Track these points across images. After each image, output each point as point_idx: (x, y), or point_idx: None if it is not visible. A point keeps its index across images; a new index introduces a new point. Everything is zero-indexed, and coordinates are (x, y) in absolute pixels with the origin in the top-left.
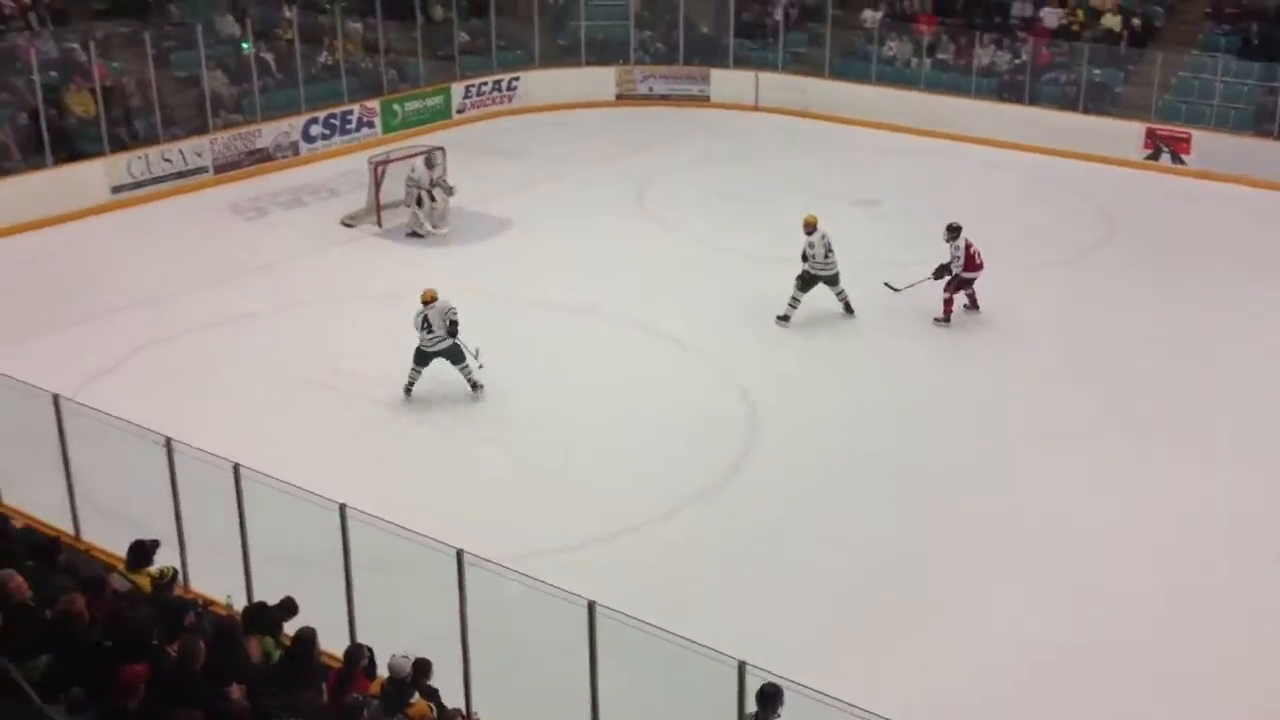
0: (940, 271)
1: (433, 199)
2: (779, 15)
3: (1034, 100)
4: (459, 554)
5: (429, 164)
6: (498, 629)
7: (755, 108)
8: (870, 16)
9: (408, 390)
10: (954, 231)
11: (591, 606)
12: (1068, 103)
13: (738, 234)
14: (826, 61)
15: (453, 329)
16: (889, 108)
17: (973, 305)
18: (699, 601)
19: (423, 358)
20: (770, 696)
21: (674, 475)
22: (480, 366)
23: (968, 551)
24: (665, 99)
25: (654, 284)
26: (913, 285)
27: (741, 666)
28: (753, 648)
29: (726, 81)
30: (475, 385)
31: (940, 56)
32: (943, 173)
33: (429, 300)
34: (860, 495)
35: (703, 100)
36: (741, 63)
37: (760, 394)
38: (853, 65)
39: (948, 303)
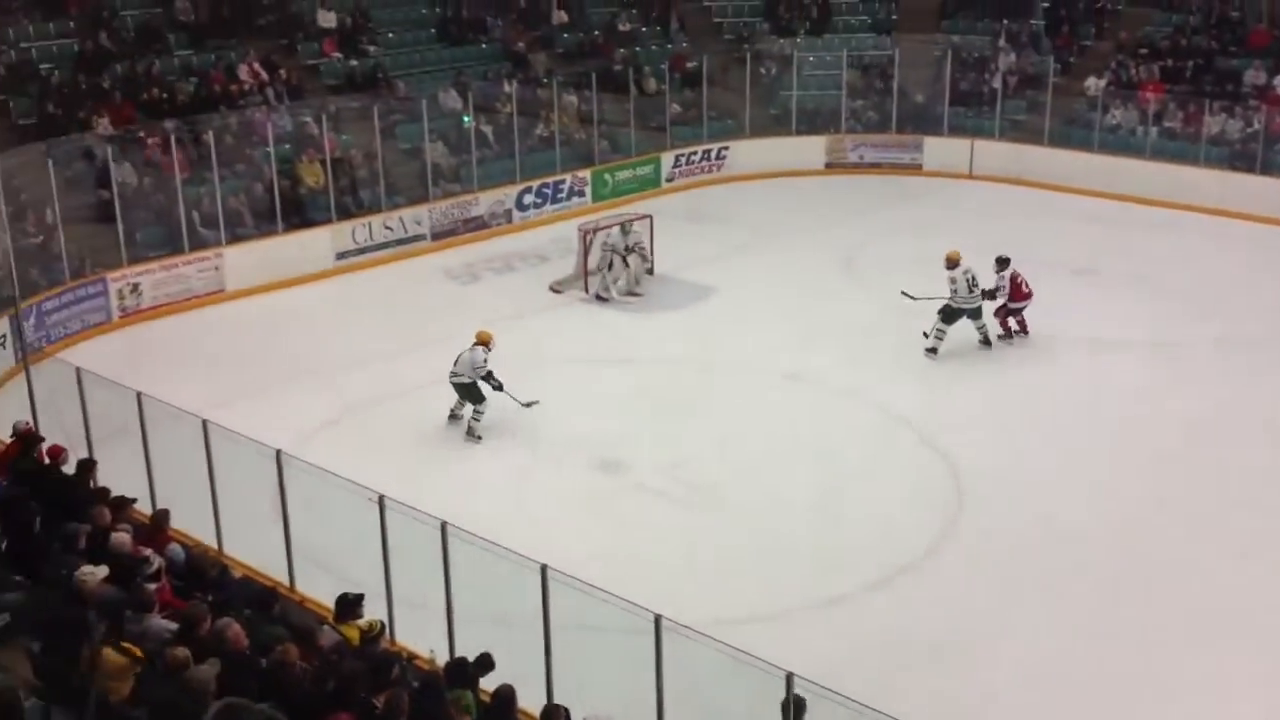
0: (987, 295)
1: (625, 264)
2: (997, 83)
3: (1266, 170)
4: (656, 619)
5: (624, 230)
6: (695, 695)
7: (969, 176)
8: (1094, 84)
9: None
10: (1002, 263)
11: (789, 679)
12: None
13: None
14: (1046, 129)
15: (488, 377)
16: (1111, 176)
17: (1022, 330)
18: (907, 679)
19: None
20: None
21: (882, 543)
22: (528, 405)
23: (1204, 625)
24: (876, 167)
25: (861, 351)
26: (930, 299)
27: None
28: None
29: (940, 149)
30: (474, 433)
31: (1167, 124)
32: (1167, 242)
33: (481, 342)
34: (1075, 563)
35: (915, 168)
36: (956, 130)
37: (970, 461)
38: (1074, 133)
39: (1003, 324)
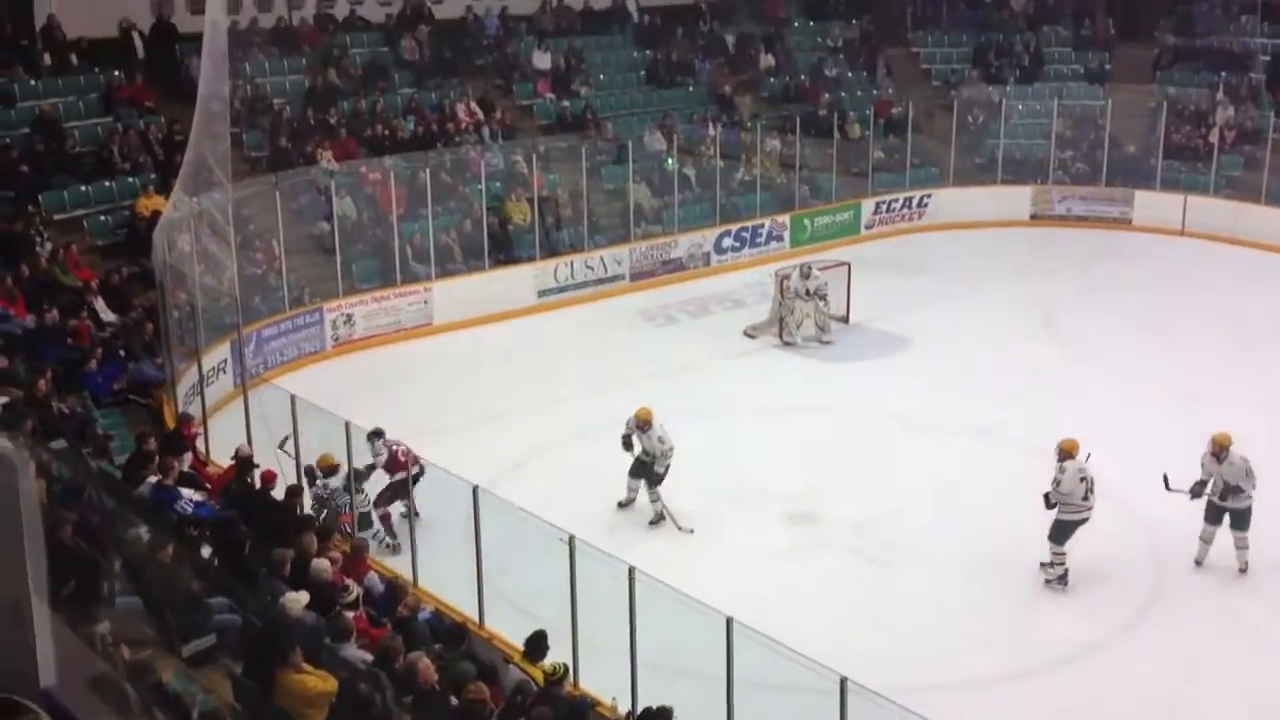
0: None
1: (806, 307)
2: (1214, 137)
3: None
4: (842, 682)
5: (803, 274)
6: None
7: (1181, 233)
8: None
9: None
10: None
11: None
12: None
13: (1154, 364)
14: (1264, 186)
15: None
16: None
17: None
18: None
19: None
20: None
21: (1075, 615)
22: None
23: None
24: (1083, 220)
25: (1058, 412)
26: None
27: None
28: None
29: (1151, 204)
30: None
31: None
32: None
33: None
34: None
35: (1124, 223)
36: (1169, 185)
37: (1169, 536)
38: None
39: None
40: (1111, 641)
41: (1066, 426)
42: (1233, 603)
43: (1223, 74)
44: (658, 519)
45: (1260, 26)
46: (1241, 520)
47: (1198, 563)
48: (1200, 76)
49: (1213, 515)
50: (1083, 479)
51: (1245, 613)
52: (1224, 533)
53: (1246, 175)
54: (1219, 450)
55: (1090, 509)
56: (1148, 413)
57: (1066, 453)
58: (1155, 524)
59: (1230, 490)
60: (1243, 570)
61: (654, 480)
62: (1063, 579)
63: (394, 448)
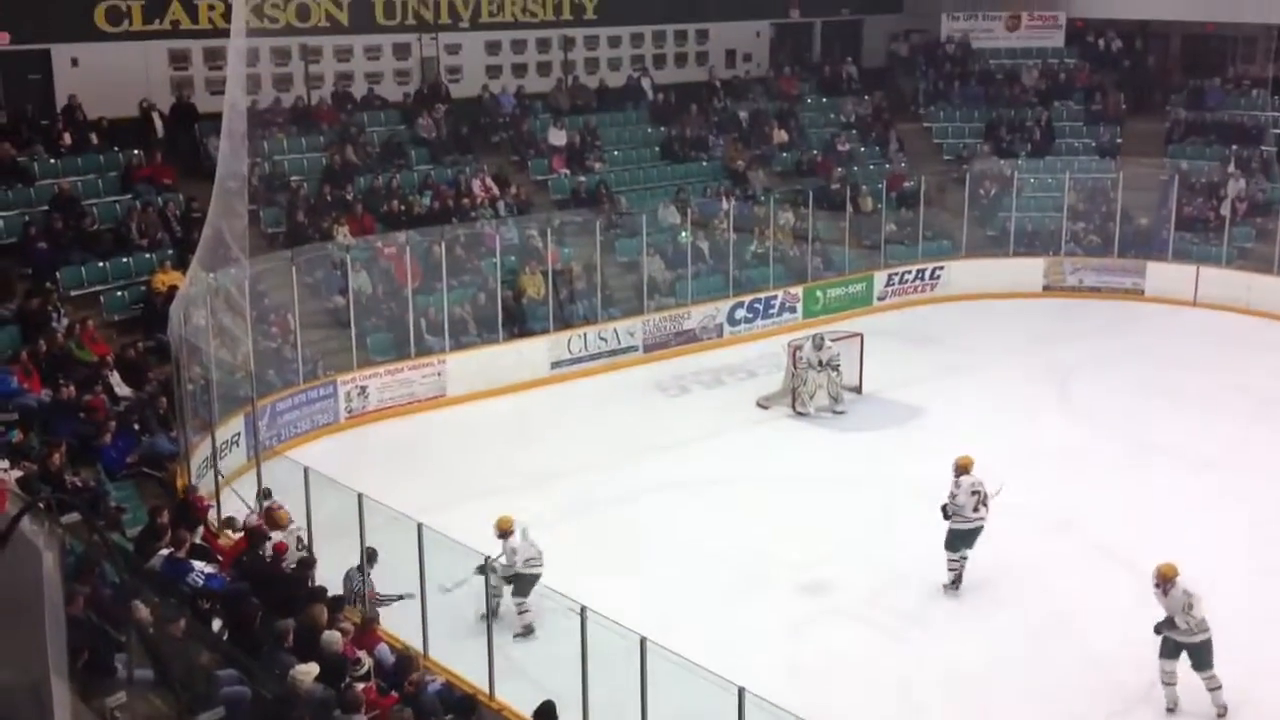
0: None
1: (819, 378)
2: (1225, 209)
3: None
4: None
5: (815, 344)
6: None
7: (1194, 303)
8: None
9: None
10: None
11: None
12: None
13: (1171, 435)
14: (1276, 257)
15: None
16: None
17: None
18: None
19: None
20: None
21: (1096, 687)
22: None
23: None
24: (1095, 291)
25: (1073, 479)
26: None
27: None
28: None
29: (1163, 275)
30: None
31: None
32: None
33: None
34: None
35: (1136, 294)
36: (1181, 256)
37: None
38: None
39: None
40: (1130, 710)
41: (1079, 497)
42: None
43: (1233, 147)
44: (524, 631)
45: (1271, 100)
46: (1200, 658)
47: (1169, 710)
48: (1211, 150)
49: (1168, 649)
50: (975, 493)
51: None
52: None
53: (1258, 246)
54: (1162, 581)
55: (982, 520)
56: (1165, 480)
57: (962, 468)
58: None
59: (1167, 623)
60: (1221, 716)
61: (520, 589)
62: (955, 583)
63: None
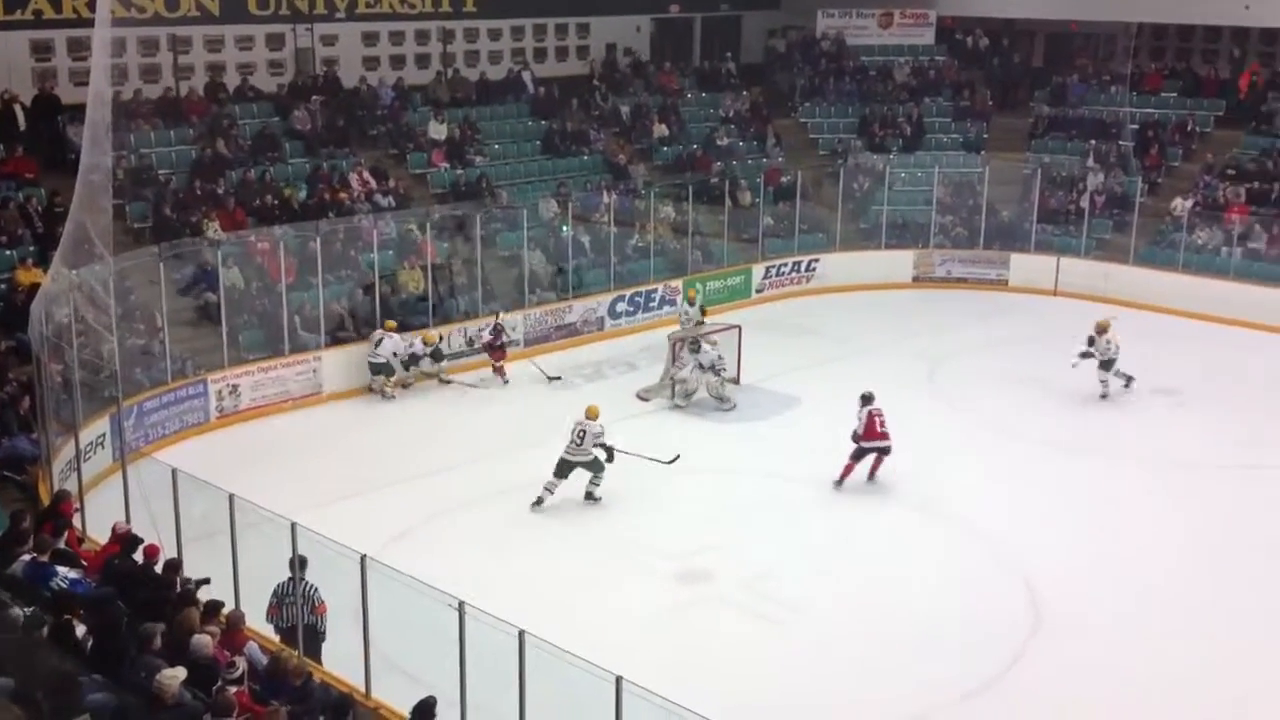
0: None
1: (708, 376)
2: (1085, 202)
3: None
4: None
5: (693, 349)
6: None
7: (1054, 293)
8: (1180, 205)
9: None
10: (864, 400)
11: None
12: None
13: (1032, 419)
14: (1132, 248)
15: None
16: (1195, 295)
17: (870, 476)
18: None
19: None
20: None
21: (959, 666)
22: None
23: None
24: (962, 282)
25: (939, 466)
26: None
27: None
28: None
29: (1026, 266)
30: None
31: (1252, 245)
32: (1251, 363)
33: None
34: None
35: (1001, 284)
36: (1043, 247)
37: (1047, 583)
38: (1159, 253)
39: (846, 468)
40: (992, 689)
41: (950, 479)
42: (1110, 649)
43: (1093, 142)
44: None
45: (1129, 97)
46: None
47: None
48: (1072, 144)
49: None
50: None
51: (1118, 662)
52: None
53: (1115, 237)
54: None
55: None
56: (1025, 461)
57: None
58: (1031, 571)
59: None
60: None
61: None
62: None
63: None
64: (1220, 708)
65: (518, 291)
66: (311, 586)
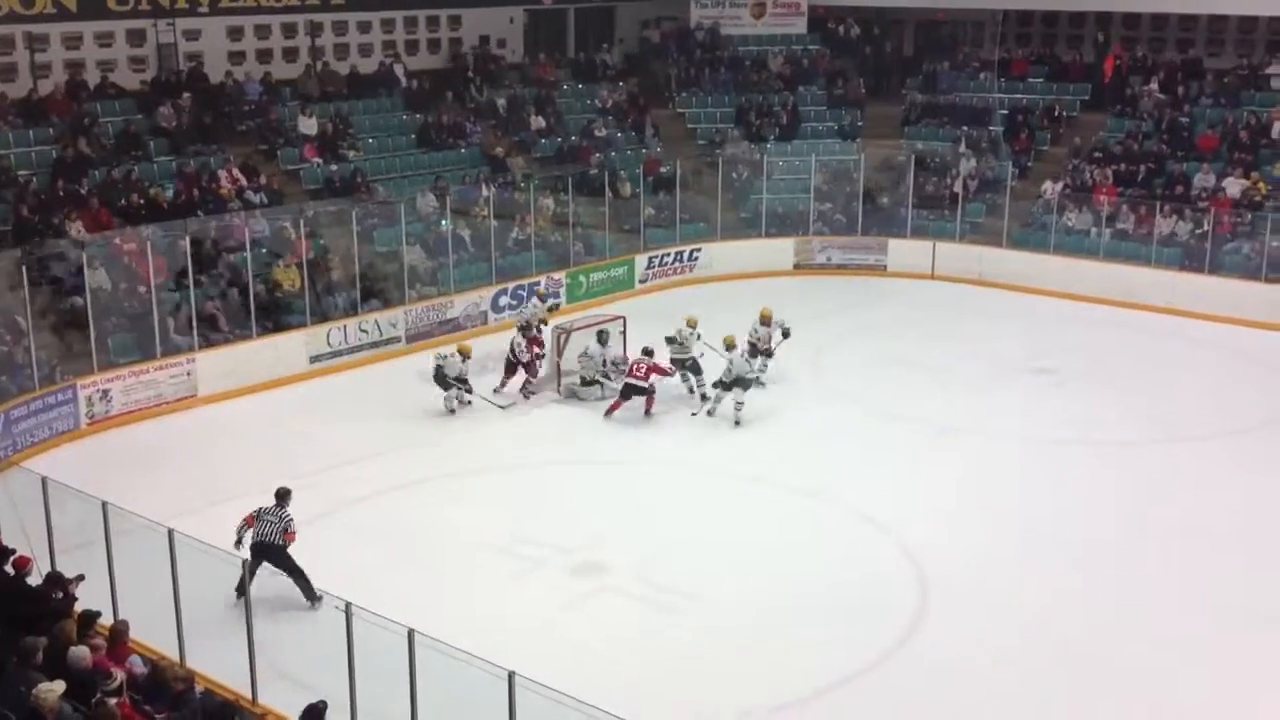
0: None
1: (608, 377)
2: (958, 187)
3: (1215, 269)
4: None
5: (601, 341)
6: None
7: (932, 277)
8: (1050, 188)
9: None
10: (643, 351)
11: None
12: (1250, 272)
13: (913, 401)
14: (1005, 231)
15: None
16: (1067, 276)
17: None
18: None
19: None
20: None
21: (843, 648)
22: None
23: None
24: (842, 269)
25: (825, 451)
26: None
27: None
28: None
29: (903, 251)
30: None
31: (1120, 226)
32: (1121, 341)
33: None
34: (1036, 676)
35: (879, 270)
36: (919, 232)
37: (934, 564)
38: (1031, 235)
39: (614, 404)
40: (883, 665)
41: (835, 462)
42: (995, 621)
43: (964, 128)
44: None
45: (997, 83)
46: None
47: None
48: (945, 131)
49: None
50: (746, 357)
51: (1004, 633)
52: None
53: (988, 221)
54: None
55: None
56: (908, 443)
57: (729, 345)
58: (916, 553)
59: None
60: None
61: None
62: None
63: None
64: (1102, 670)
65: (397, 288)
66: (290, 517)
